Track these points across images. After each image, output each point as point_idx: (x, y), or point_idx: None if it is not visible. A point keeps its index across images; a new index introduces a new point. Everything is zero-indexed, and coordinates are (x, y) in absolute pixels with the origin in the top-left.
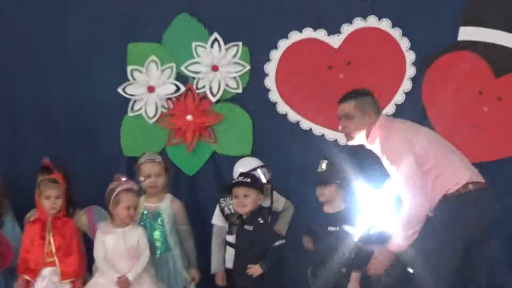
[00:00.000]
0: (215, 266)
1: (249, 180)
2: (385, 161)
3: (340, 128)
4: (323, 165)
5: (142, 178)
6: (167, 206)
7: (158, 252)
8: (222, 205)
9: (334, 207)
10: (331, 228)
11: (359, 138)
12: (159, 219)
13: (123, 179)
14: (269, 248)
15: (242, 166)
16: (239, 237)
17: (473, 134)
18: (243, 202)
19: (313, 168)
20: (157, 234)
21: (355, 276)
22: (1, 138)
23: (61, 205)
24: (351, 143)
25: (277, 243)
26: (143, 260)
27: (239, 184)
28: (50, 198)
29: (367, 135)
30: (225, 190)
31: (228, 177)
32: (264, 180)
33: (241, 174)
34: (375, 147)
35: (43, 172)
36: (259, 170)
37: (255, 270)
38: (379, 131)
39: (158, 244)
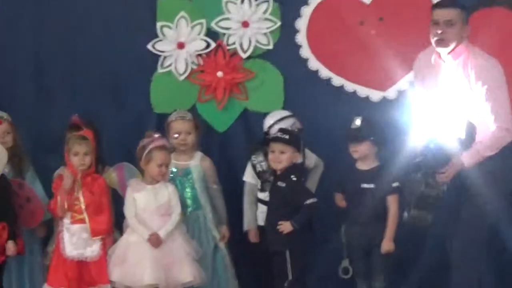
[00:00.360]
0: (248, 223)
1: (287, 136)
2: (473, 80)
3: (438, 32)
4: (357, 122)
5: (176, 135)
6: (197, 164)
7: (189, 210)
8: (254, 162)
9: (368, 164)
10: (364, 185)
11: (450, 48)
12: (189, 177)
13: (156, 135)
14: (300, 205)
15: (274, 116)
16: (272, 194)
17: None
18: (279, 158)
19: (344, 125)
20: (187, 192)
21: (392, 197)
22: (28, 96)
23: (90, 162)
24: (443, 50)
25: (308, 201)
26: (174, 218)
27: (277, 139)
28: (78, 155)
29: (453, 48)
30: (261, 144)
31: (259, 134)
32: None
33: (280, 130)
34: (453, 63)
35: (72, 129)
36: (291, 119)
37: (285, 227)
38: (466, 51)
39: (188, 202)
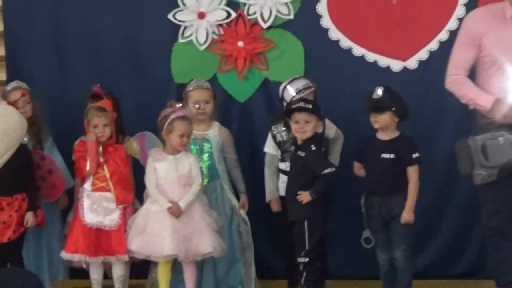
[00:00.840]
0: (269, 193)
1: (310, 106)
2: None
3: None
4: (379, 92)
5: (196, 106)
6: (215, 134)
7: (206, 179)
8: (274, 132)
9: (389, 134)
10: (384, 155)
11: None
12: (207, 147)
13: (178, 105)
14: (318, 175)
15: (295, 86)
16: (292, 163)
17: None
18: (304, 127)
19: (365, 95)
20: (204, 161)
21: (413, 168)
22: (48, 66)
23: (110, 133)
24: None
25: (326, 171)
26: (194, 188)
27: (302, 109)
28: (98, 127)
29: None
30: (283, 115)
31: (280, 104)
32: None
33: (302, 100)
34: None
35: (93, 99)
36: (302, 80)
37: (305, 196)
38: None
39: (205, 171)
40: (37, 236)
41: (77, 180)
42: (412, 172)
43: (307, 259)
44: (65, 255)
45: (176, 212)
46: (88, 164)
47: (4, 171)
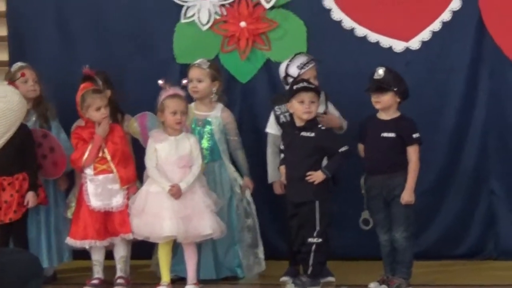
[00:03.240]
0: (272, 174)
1: (313, 86)
2: None
3: None
4: (381, 72)
5: (184, 82)
6: (218, 115)
7: (205, 160)
8: (277, 113)
9: (390, 114)
10: (384, 134)
11: None
12: (208, 128)
13: (162, 83)
14: (334, 153)
15: (298, 60)
16: (297, 145)
17: None
18: (310, 108)
19: (367, 76)
20: (204, 142)
21: (413, 148)
22: (52, 45)
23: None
24: None
25: (343, 148)
26: (195, 169)
27: (308, 89)
28: (100, 109)
29: None
30: (288, 95)
31: (281, 85)
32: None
33: (305, 80)
34: None
35: (85, 80)
36: (303, 55)
37: (318, 176)
38: None
39: (205, 152)
40: (46, 217)
41: None
42: (412, 152)
43: (320, 240)
44: (73, 241)
45: (176, 193)
46: (86, 154)
47: (4, 151)
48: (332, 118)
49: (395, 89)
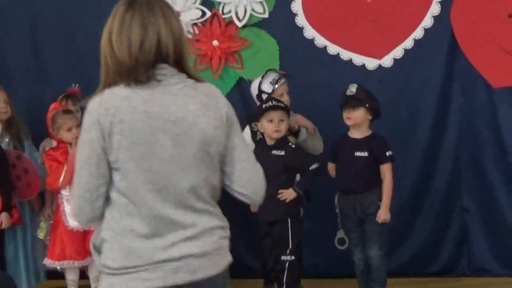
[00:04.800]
0: None
1: (282, 104)
2: None
3: None
4: (353, 88)
5: None
6: None
7: None
8: (255, 129)
9: (362, 132)
10: (357, 153)
11: None
12: None
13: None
14: (304, 171)
15: (270, 77)
16: (268, 163)
17: (502, 57)
18: (280, 126)
19: (340, 93)
20: None
21: (386, 166)
22: (25, 66)
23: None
24: None
25: (313, 166)
26: None
27: (278, 107)
28: (72, 130)
29: None
30: (259, 114)
31: (255, 103)
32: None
33: (274, 99)
34: None
35: (68, 99)
36: (273, 72)
37: (289, 194)
38: None
39: None
40: (24, 238)
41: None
42: (386, 170)
43: (292, 257)
44: (51, 262)
45: None
46: (62, 177)
47: None
48: (303, 118)
49: (367, 105)
